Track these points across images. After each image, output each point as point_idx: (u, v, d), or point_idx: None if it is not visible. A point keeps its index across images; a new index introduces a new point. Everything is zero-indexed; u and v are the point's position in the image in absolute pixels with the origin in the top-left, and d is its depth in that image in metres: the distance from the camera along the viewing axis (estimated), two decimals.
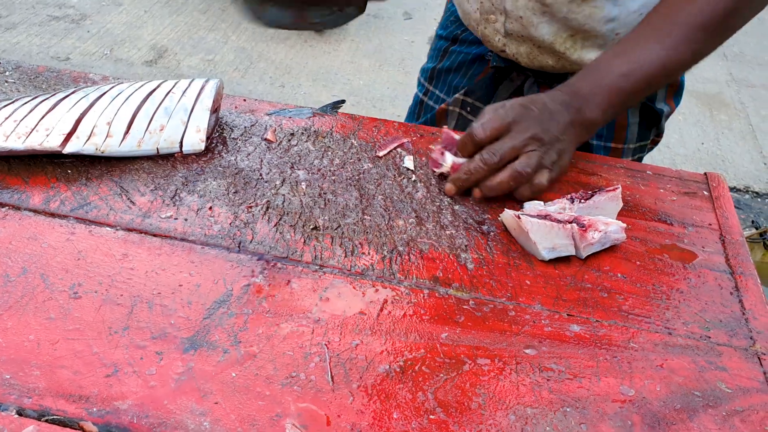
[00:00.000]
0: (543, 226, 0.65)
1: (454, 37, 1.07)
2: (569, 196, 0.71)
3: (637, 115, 0.97)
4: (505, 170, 0.71)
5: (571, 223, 0.65)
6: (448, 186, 0.74)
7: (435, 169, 0.76)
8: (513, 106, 0.73)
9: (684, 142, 2.74)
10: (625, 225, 0.68)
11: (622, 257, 0.68)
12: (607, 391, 0.55)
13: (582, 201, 0.70)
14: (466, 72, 1.03)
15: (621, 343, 0.59)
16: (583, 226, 0.65)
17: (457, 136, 0.76)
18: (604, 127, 0.96)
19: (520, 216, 0.66)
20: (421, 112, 1.12)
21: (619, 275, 0.66)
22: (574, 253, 0.67)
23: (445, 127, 0.81)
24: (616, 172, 0.80)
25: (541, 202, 0.71)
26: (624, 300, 0.64)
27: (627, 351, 0.59)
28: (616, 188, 0.72)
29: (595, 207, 0.70)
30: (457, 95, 1.02)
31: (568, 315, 0.62)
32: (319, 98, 2.84)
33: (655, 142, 1.03)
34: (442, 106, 1.05)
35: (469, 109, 1.01)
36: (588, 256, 0.67)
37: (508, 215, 0.68)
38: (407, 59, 3.16)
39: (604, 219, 0.67)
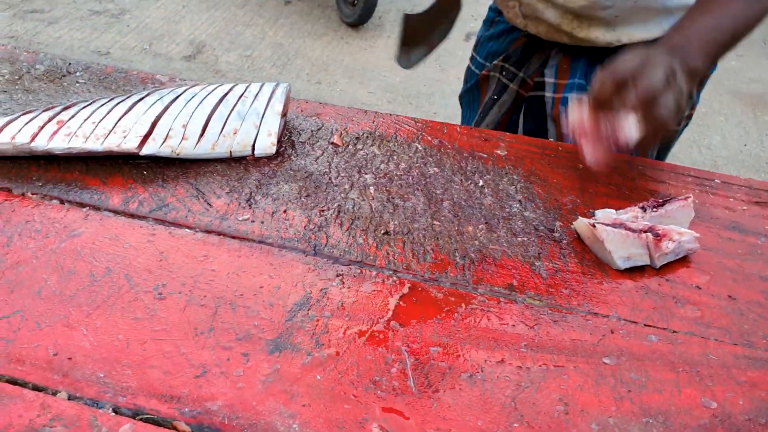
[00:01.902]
0: (618, 236, 0.65)
1: (500, 9, 1.13)
2: (641, 204, 0.71)
3: None
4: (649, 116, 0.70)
5: (645, 232, 0.65)
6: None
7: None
8: (633, 59, 0.73)
9: (726, 143, 2.71)
10: (697, 235, 0.68)
11: (696, 267, 0.68)
12: (689, 404, 0.55)
13: (654, 210, 0.70)
14: (504, 39, 1.10)
15: (700, 355, 0.59)
16: (657, 236, 0.65)
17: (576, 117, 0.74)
18: None
19: (596, 225, 0.66)
20: (466, 78, 1.19)
21: (693, 285, 0.66)
22: (648, 263, 0.67)
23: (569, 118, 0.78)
24: (684, 180, 0.80)
25: (614, 211, 0.71)
26: (700, 311, 0.63)
27: (706, 363, 0.59)
28: (688, 197, 0.71)
29: (667, 216, 0.70)
30: (496, 61, 1.08)
31: (645, 325, 0.62)
32: (355, 95, 2.85)
33: (689, 117, 1.05)
34: (484, 72, 1.11)
35: (504, 73, 1.07)
36: (661, 266, 0.67)
37: (582, 224, 0.68)
38: (443, 56, 3.16)
39: (677, 228, 0.67)
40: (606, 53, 0.98)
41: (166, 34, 3.16)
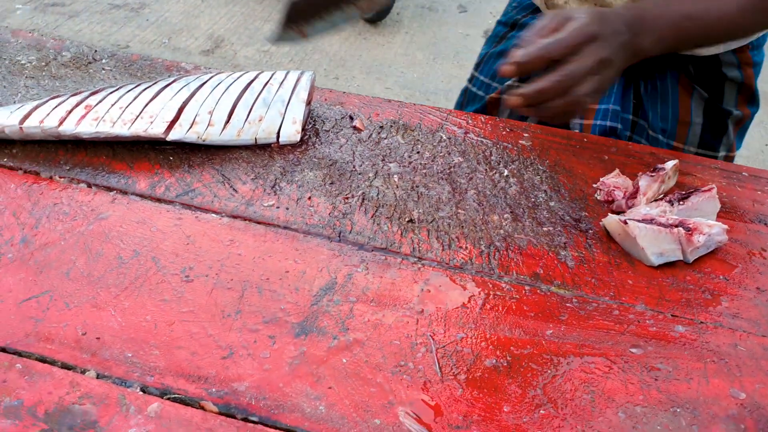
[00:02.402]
0: (651, 231, 0.64)
1: (514, 23, 1.06)
2: (668, 198, 0.70)
3: (701, 115, 0.95)
4: (567, 97, 0.68)
5: (677, 227, 0.65)
6: (513, 99, 0.70)
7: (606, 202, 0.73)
8: (587, 23, 0.69)
9: (746, 142, 2.67)
10: (726, 227, 0.67)
11: (723, 259, 0.67)
12: (717, 394, 0.55)
13: (681, 202, 0.69)
14: None
15: (728, 346, 0.59)
16: (689, 230, 0.65)
17: (620, 181, 0.73)
18: (668, 123, 0.93)
19: (627, 221, 0.65)
20: (465, 101, 1.09)
21: (721, 277, 0.66)
22: (681, 258, 0.66)
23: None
24: (711, 172, 0.79)
25: (645, 206, 0.70)
26: (728, 303, 0.63)
27: (735, 354, 0.58)
28: (711, 188, 0.71)
29: (693, 209, 0.70)
30: (509, 81, 0.99)
31: (672, 315, 0.61)
32: (372, 91, 2.84)
33: (728, 158, 0.98)
34: (494, 94, 1.02)
35: None
36: None
37: (612, 220, 0.67)
38: (462, 52, 3.15)
39: (705, 221, 0.67)
40: (644, 68, 0.91)
41: (185, 28, 3.17)
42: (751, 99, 0.98)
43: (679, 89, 0.95)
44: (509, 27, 1.06)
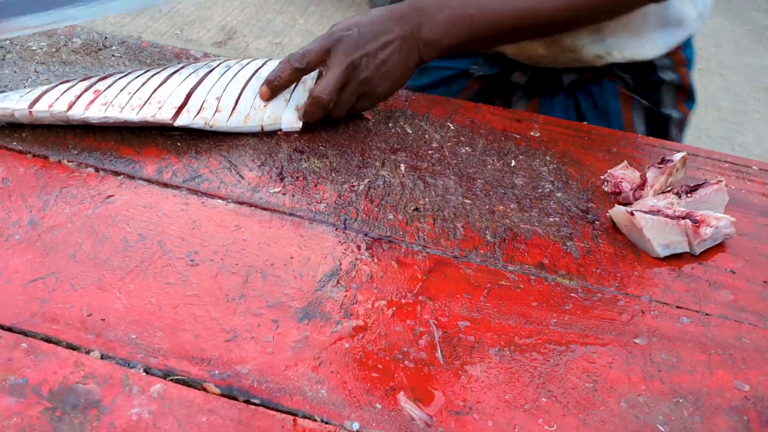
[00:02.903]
0: (657, 223, 0.64)
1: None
2: (675, 190, 0.70)
3: (643, 123, 0.94)
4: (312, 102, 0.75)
5: (684, 218, 0.64)
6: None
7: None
8: (333, 33, 0.75)
9: (760, 141, 2.66)
10: (733, 219, 0.67)
11: (730, 252, 0.67)
12: (721, 385, 0.55)
13: (688, 195, 0.69)
14: (447, 88, 0.99)
15: (733, 339, 0.59)
16: (696, 222, 0.64)
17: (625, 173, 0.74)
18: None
19: (634, 212, 0.65)
20: None
21: (727, 270, 0.65)
22: (687, 250, 0.66)
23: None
24: (721, 166, 0.79)
25: (653, 198, 0.70)
26: (734, 295, 0.63)
27: (739, 346, 0.58)
28: (720, 181, 0.70)
29: (701, 201, 0.69)
30: None
31: (677, 307, 0.61)
32: None
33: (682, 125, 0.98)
34: None
35: None
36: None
37: (619, 211, 0.67)
38: None
39: (713, 214, 0.66)
40: (580, 83, 0.89)
41: (198, 20, 3.18)
42: (688, 98, 0.98)
43: (620, 103, 0.94)
44: None
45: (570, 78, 0.93)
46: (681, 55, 0.95)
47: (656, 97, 0.95)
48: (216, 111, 0.75)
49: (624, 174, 0.73)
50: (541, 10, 0.74)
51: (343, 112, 0.79)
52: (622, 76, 0.93)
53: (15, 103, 0.73)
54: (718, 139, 2.59)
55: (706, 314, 0.61)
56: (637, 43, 0.86)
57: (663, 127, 0.96)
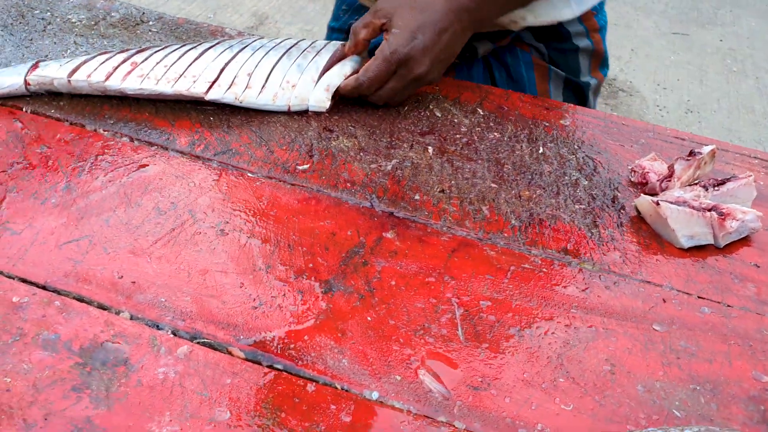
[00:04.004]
0: (683, 214, 0.64)
1: (349, 28, 0.97)
2: (702, 182, 0.70)
3: (561, 95, 0.96)
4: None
5: (710, 210, 0.64)
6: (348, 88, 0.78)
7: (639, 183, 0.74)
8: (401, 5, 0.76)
9: None
10: (760, 214, 0.67)
11: (756, 246, 0.67)
12: (739, 375, 0.55)
13: (716, 188, 0.69)
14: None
15: (754, 331, 0.59)
16: (722, 215, 0.64)
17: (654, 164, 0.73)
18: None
19: (659, 202, 0.65)
20: None
21: (751, 264, 0.65)
22: (712, 242, 0.66)
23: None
24: (750, 161, 0.78)
25: (679, 190, 0.70)
26: (757, 288, 0.62)
27: (760, 338, 0.58)
28: (750, 176, 0.70)
29: (729, 195, 0.69)
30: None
31: (698, 297, 0.61)
32: None
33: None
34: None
35: None
36: None
37: (645, 201, 0.67)
38: None
39: (740, 207, 0.66)
40: (494, 53, 0.92)
41: (230, 4, 3.20)
42: (602, 63, 0.99)
43: (535, 74, 0.95)
44: (345, 33, 1.01)
45: (485, 47, 0.94)
46: (594, 21, 0.95)
47: (572, 65, 0.96)
48: (246, 87, 0.76)
49: (651, 165, 0.73)
50: None
51: (383, 101, 0.79)
52: (536, 45, 0.94)
53: (54, 72, 0.75)
54: (750, 142, 2.56)
55: (728, 306, 0.61)
56: (549, 3, 0.87)
57: (581, 96, 0.97)
